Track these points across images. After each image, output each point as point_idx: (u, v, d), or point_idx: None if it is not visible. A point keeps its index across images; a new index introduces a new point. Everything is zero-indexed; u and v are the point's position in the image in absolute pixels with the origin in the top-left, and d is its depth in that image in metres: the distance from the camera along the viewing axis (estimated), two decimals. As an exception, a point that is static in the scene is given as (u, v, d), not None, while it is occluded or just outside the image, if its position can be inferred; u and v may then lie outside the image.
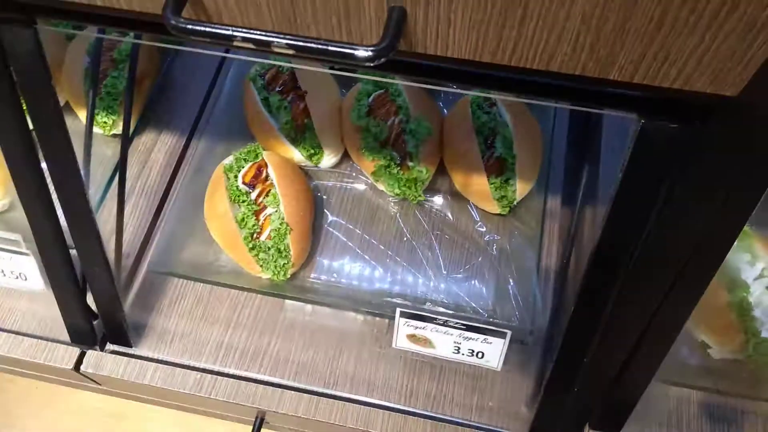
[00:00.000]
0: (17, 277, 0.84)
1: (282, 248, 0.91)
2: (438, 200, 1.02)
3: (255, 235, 0.91)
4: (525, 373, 0.88)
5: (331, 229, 1.00)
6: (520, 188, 0.96)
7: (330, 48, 0.40)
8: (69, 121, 1.09)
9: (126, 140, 0.84)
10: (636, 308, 0.64)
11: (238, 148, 1.07)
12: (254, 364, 0.90)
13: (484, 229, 0.99)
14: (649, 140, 0.53)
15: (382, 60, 0.41)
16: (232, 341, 0.92)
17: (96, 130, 1.07)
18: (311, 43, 0.40)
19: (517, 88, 0.50)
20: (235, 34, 0.41)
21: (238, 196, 0.93)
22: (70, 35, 1.08)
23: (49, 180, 0.70)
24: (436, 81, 0.50)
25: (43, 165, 0.69)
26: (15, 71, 0.61)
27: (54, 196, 0.72)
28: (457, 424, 0.84)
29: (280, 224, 0.91)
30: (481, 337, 0.73)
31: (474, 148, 0.97)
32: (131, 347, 0.90)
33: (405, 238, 0.99)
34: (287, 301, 0.95)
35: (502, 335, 0.72)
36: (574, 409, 0.80)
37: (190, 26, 0.41)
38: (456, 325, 0.73)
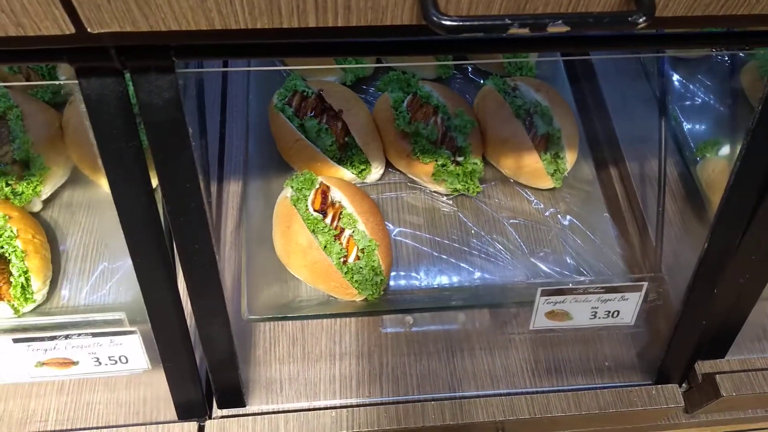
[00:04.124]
0: (116, 362, 0.76)
1: (375, 266, 0.89)
2: (487, 189, 1.05)
3: (343, 259, 0.89)
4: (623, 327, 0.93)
5: (399, 239, 0.99)
6: (570, 158, 1.02)
7: (606, 19, 0.42)
8: (82, 189, 1.00)
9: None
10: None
11: (274, 180, 1.03)
12: (375, 387, 0.87)
13: (542, 206, 1.03)
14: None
15: (647, 23, 0.43)
16: (344, 371, 0.88)
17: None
18: (588, 18, 0.42)
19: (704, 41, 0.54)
20: (512, 22, 0.41)
21: (316, 225, 0.89)
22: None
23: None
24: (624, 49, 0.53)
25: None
26: (149, 125, 0.56)
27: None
28: (589, 389, 0.87)
29: (369, 242, 0.89)
30: (618, 295, 0.77)
31: (520, 131, 1.01)
32: (244, 406, 0.84)
33: (473, 231, 1.00)
34: (385, 318, 0.93)
35: (639, 288, 0.76)
36: (693, 343, 0.85)
37: (464, 23, 0.41)
38: (596, 290, 0.76)
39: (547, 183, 1.02)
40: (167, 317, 0.70)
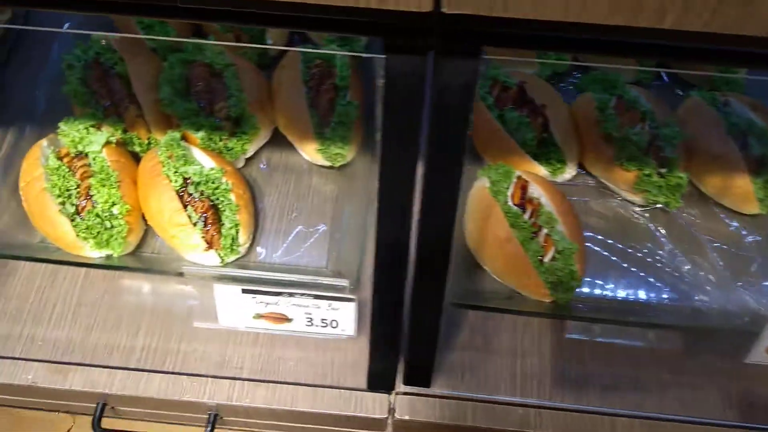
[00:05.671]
0: (326, 325, 0.79)
1: (573, 270, 0.87)
2: (685, 206, 1.00)
3: (540, 258, 0.88)
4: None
5: (588, 245, 0.97)
6: (785, 185, 0.95)
7: None
8: (281, 153, 1.04)
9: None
10: None
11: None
12: (556, 391, 0.86)
13: (744, 231, 0.97)
14: None
15: None
16: (525, 369, 0.88)
17: (321, 162, 1.01)
18: None
19: None
20: None
21: (516, 219, 0.89)
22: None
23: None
24: None
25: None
26: (437, 108, 0.56)
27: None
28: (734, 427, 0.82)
29: (569, 245, 0.87)
30: None
31: (732, 149, 0.95)
32: (428, 387, 0.85)
33: (667, 248, 0.96)
34: (570, 323, 0.91)
35: None
36: None
37: None
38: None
39: (753, 208, 0.96)
40: (391, 291, 0.71)
